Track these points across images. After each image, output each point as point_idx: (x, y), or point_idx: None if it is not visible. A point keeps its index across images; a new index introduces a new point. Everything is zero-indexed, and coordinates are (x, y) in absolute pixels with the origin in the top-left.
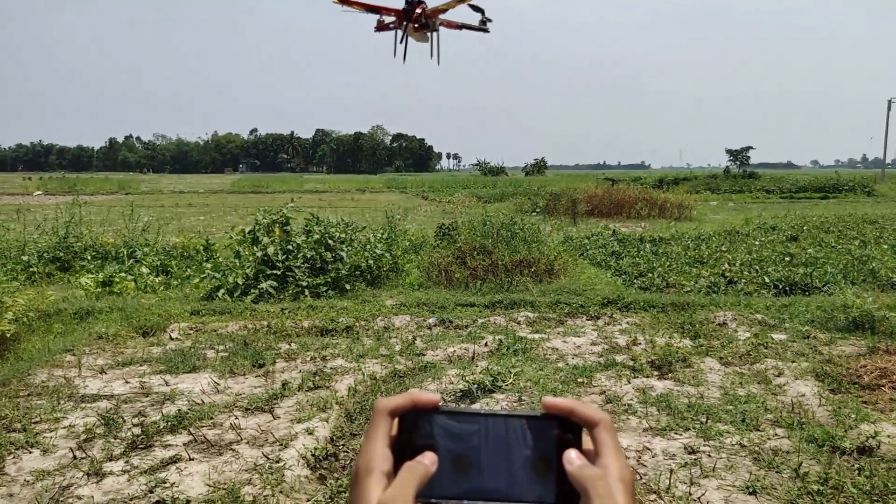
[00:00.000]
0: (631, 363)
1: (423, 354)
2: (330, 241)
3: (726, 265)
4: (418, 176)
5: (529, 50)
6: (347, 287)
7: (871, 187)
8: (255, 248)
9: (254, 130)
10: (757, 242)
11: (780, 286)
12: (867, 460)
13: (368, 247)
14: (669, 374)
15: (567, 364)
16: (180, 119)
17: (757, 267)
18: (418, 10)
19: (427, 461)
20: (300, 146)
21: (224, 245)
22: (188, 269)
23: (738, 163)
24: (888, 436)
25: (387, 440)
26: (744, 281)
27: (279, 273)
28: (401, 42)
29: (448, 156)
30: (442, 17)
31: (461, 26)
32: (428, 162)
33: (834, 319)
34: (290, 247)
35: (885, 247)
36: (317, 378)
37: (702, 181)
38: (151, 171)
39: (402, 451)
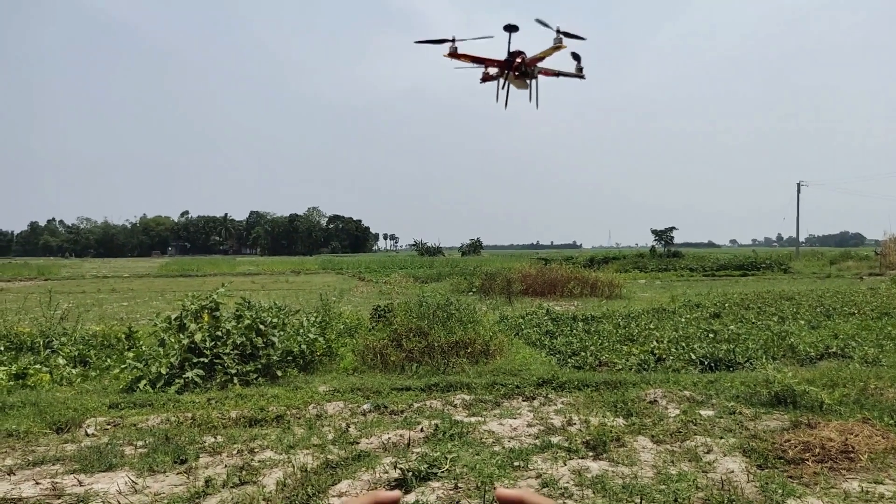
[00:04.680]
0: (566, 444)
1: (357, 443)
2: (261, 326)
3: (655, 343)
4: (355, 257)
5: (466, 137)
6: (279, 373)
7: (786, 265)
8: (181, 335)
9: (185, 213)
10: (683, 319)
11: (706, 362)
12: None
13: (301, 331)
14: (604, 455)
15: (503, 447)
16: (107, 202)
17: (683, 344)
18: (518, 60)
19: None
20: (233, 228)
21: (148, 333)
22: (108, 360)
23: (662, 242)
24: None
25: None
26: (672, 358)
27: (206, 361)
28: (503, 88)
29: (385, 236)
30: (540, 65)
31: (558, 73)
32: (364, 243)
33: (757, 394)
34: (219, 333)
35: (802, 322)
36: (243, 473)
37: (630, 260)
38: (74, 256)
39: None
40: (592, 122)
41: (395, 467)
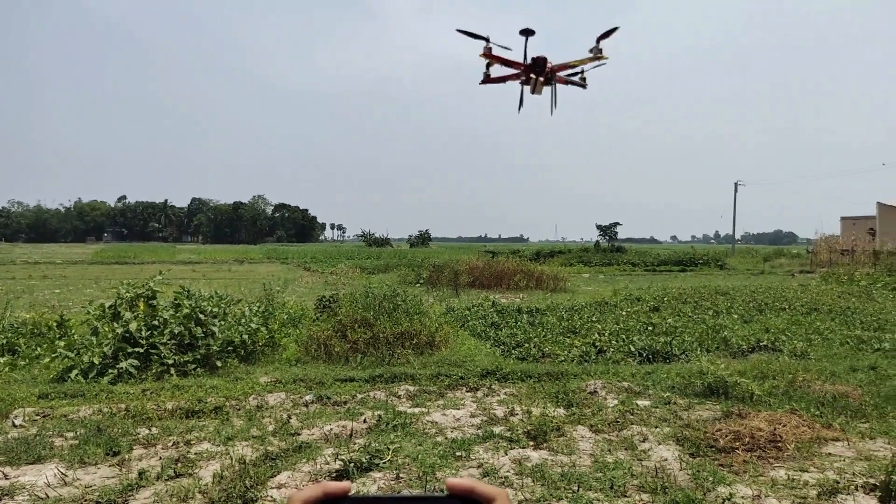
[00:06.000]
0: (508, 434)
1: (299, 434)
2: (201, 316)
3: (597, 335)
4: (301, 246)
5: (418, 129)
6: (219, 364)
7: (723, 261)
8: (115, 324)
9: (122, 198)
10: (624, 313)
11: (644, 354)
12: None
13: (243, 321)
14: (544, 444)
15: (446, 438)
16: (40, 185)
17: (624, 336)
18: (548, 66)
19: None
20: (174, 215)
21: (81, 321)
22: (38, 348)
23: (607, 237)
24: (742, 497)
25: None
26: (612, 350)
27: (142, 351)
28: (533, 92)
29: (332, 226)
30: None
31: (567, 81)
32: (311, 232)
33: (692, 385)
34: (155, 322)
35: (736, 316)
36: (178, 465)
37: (575, 254)
38: (3, 241)
39: None
40: (543, 119)
41: (336, 458)
